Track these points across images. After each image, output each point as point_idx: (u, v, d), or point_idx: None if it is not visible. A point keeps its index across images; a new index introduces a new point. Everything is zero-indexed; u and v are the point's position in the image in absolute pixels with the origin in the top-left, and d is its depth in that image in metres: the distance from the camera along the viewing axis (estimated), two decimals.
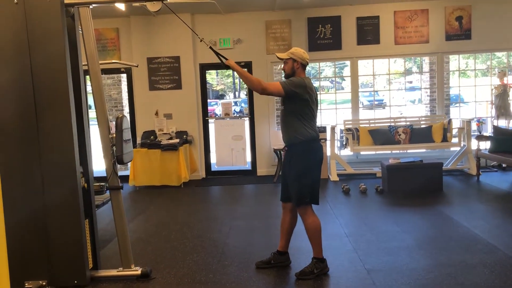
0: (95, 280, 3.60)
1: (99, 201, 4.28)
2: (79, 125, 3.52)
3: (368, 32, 7.77)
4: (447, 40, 7.78)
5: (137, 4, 6.17)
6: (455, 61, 9.22)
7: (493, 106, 7.73)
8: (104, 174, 3.66)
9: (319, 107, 3.78)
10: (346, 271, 3.60)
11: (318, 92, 3.76)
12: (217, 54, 3.61)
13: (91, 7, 3.55)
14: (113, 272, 3.67)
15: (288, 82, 3.43)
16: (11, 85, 3.35)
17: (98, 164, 4.58)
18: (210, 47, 3.73)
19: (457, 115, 8.31)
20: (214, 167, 8.22)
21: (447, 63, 8.15)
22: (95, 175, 3.81)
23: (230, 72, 29.45)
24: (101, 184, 4.48)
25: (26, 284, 3.36)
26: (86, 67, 3.62)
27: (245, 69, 3.51)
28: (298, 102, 3.43)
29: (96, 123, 3.58)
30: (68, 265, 3.48)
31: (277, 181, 7.34)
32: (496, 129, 7.14)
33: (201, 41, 3.79)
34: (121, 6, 6.69)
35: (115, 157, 3.56)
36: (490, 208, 5.31)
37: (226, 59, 3.53)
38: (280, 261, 3.74)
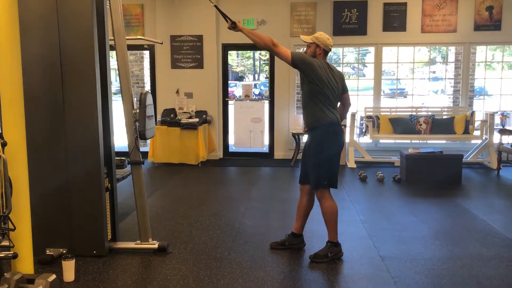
0: (113, 251, 3.69)
1: (120, 175, 4.35)
2: (104, 100, 3.58)
3: (395, 19, 7.63)
4: (475, 30, 7.59)
5: None
6: (481, 53, 9.01)
7: None
8: (126, 149, 3.72)
9: None
10: (360, 257, 3.62)
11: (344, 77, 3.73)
12: (223, 14, 3.53)
13: None
14: (131, 245, 3.75)
15: (299, 54, 3.45)
16: (40, 59, 3.41)
17: (120, 139, 4.67)
18: (215, 6, 3.64)
19: (480, 108, 8.17)
20: (232, 148, 8.27)
21: (474, 54, 7.98)
22: (116, 149, 3.87)
23: (250, 54, 29.30)
24: (122, 158, 4.55)
25: (47, 251, 3.47)
26: (111, 42, 3.66)
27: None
28: (311, 83, 3.41)
29: (117, 99, 3.62)
30: (88, 235, 3.57)
31: (294, 165, 7.36)
32: None
33: None
34: None
35: (138, 132, 3.61)
36: (509, 203, 5.24)
37: (233, 21, 3.43)
38: (295, 243, 3.78)
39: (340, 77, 3.58)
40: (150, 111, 3.66)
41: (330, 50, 3.56)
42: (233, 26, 3.41)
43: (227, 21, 3.45)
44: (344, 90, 3.64)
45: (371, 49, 8.47)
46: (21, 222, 2.78)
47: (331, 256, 3.52)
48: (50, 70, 3.41)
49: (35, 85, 3.41)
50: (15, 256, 2.62)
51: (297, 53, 3.48)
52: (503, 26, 7.54)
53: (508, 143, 6.93)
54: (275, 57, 3.80)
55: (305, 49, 3.63)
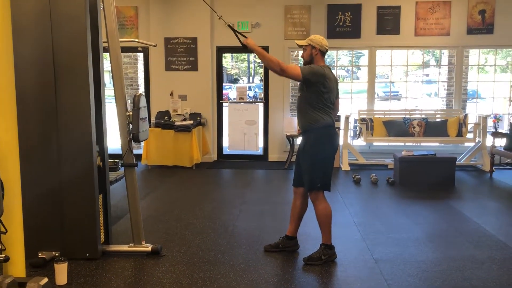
0: (106, 254, 3.67)
1: (113, 178, 4.33)
2: (97, 102, 3.56)
3: (388, 22, 7.67)
4: (468, 34, 7.65)
5: None
6: (474, 56, 9.09)
7: (511, 103, 7.62)
8: (119, 151, 3.70)
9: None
10: (354, 260, 3.62)
11: (338, 80, 3.75)
12: (236, 32, 3.58)
13: None
14: (124, 248, 3.74)
15: (307, 68, 3.43)
16: (33, 61, 3.39)
17: (113, 141, 4.65)
18: (229, 25, 3.69)
19: (473, 111, 8.22)
20: (226, 151, 8.26)
21: (467, 57, 8.03)
22: (109, 152, 3.85)
23: (245, 56, 29.29)
24: (115, 161, 4.53)
25: (40, 254, 3.44)
26: (105, 44, 3.65)
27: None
28: (315, 90, 3.43)
29: (111, 101, 3.61)
30: (81, 238, 3.55)
31: (288, 168, 7.36)
32: None
33: (219, 18, 3.76)
34: None
35: (131, 135, 3.60)
36: (502, 206, 5.27)
37: (245, 37, 3.50)
38: (288, 246, 3.78)
39: (336, 82, 3.61)
40: (143, 113, 3.65)
41: (327, 50, 3.56)
42: (245, 47, 3.46)
43: (240, 42, 3.49)
44: (337, 95, 3.67)
45: (365, 52, 8.51)
46: (13, 224, 2.76)
47: (325, 258, 3.52)
48: (43, 72, 3.39)
49: (28, 87, 3.38)
50: (6, 259, 2.60)
51: (305, 67, 3.44)
52: (495, 29, 7.60)
53: (500, 146, 6.98)
54: None
55: (301, 52, 3.63)
